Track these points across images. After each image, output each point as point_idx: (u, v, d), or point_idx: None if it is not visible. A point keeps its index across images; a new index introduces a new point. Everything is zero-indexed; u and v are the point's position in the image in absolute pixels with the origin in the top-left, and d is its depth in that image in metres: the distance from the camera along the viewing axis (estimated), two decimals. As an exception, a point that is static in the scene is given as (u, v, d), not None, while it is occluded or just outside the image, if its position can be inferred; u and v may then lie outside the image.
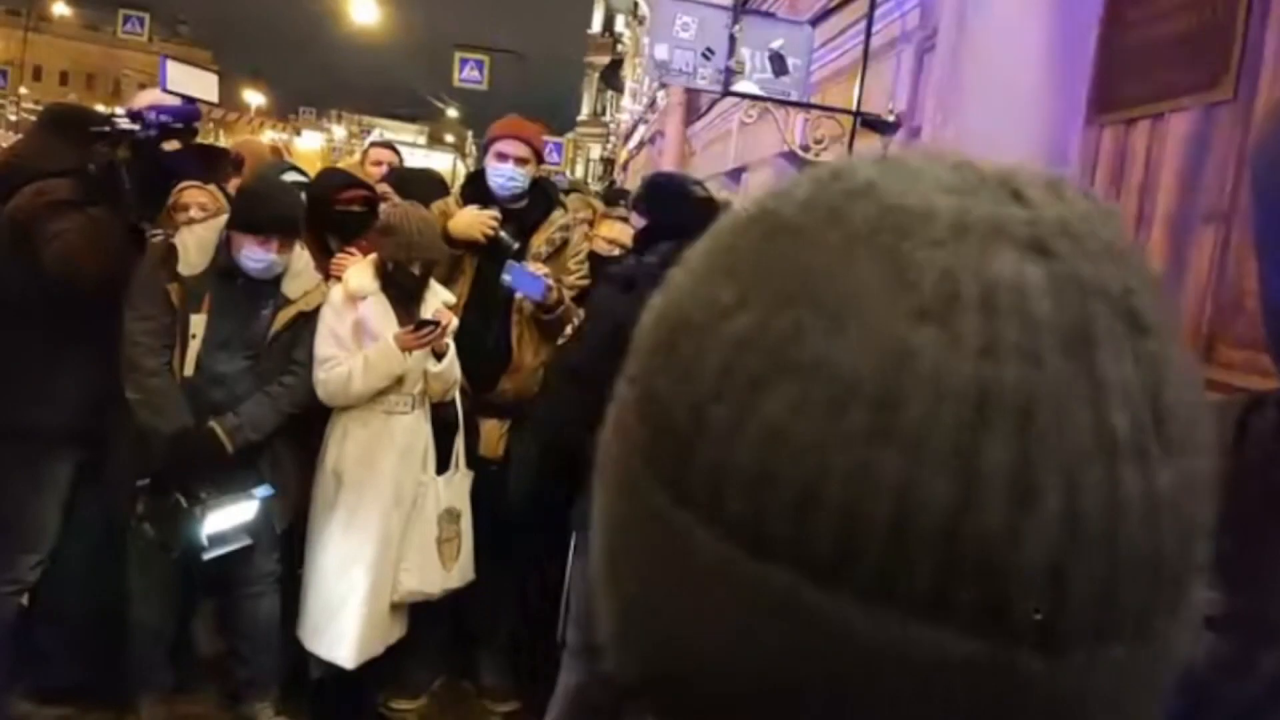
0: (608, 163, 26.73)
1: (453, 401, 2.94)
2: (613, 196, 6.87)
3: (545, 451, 2.55)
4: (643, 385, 0.30)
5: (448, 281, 3.03)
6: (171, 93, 2.61)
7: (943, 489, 0.24)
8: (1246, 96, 2.88)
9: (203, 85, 2.68)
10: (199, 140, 2.90)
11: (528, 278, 2.93)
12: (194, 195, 2.87)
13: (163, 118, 2.57)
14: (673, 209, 2.53)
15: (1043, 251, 0.27)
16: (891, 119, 4.61)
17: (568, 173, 27.18)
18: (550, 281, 2.96)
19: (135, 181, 2.53)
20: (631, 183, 19.69)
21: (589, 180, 27.67)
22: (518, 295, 3.02)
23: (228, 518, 2.60)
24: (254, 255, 2.63)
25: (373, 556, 2.78)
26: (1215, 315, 2.93)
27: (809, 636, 0.25)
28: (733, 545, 0.26)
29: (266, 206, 2.67)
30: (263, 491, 2.68)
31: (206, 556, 2.58)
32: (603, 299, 2.46)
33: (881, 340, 0.25)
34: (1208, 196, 3.01)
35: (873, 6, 4.53)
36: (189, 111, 2.62)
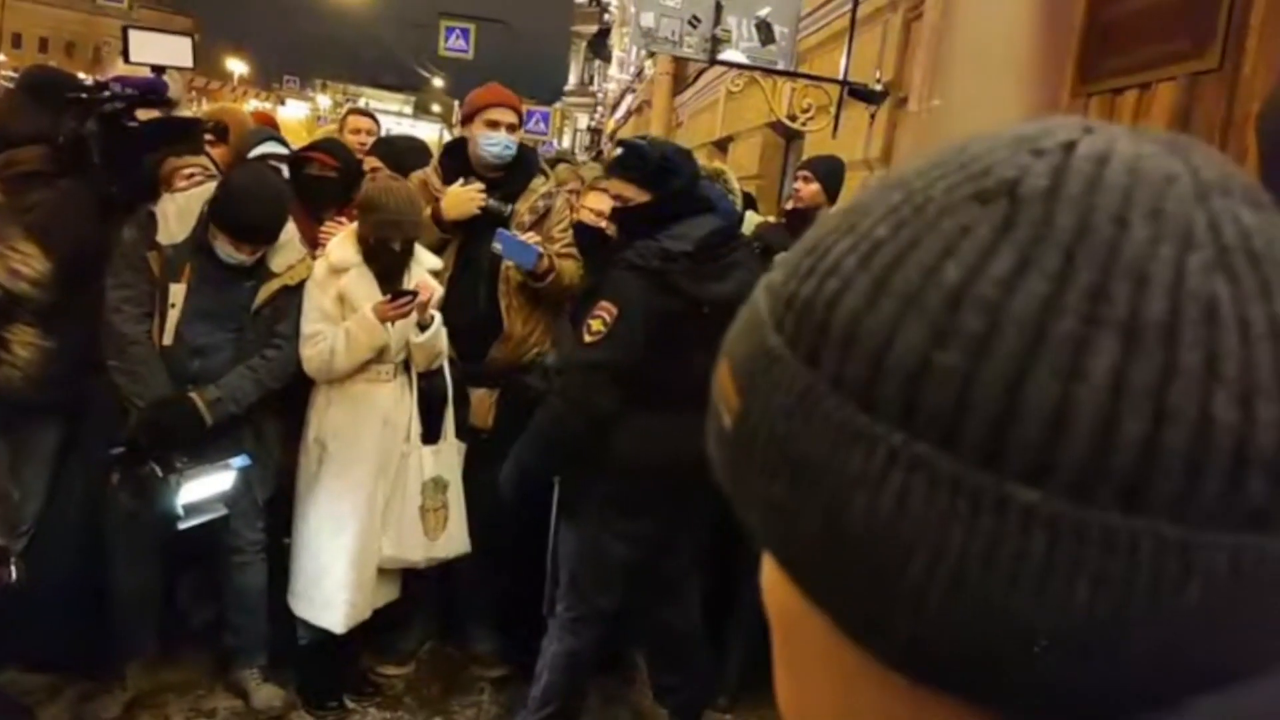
0: (595, 132, 26.53)
1: (440, 371, 2.92)
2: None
3: (558, 439, 2.47)
4: (910, 369, 0.29)
5: (434, 249, 3.01)
6: (138, 63, 2.57)
7: (1271, 418, 0.28)
8: (1232, 65, 2.88)
9: (174, 51, 2.63)
10: (178, 110, 2.85)
11: (519, 245, 2.91)
12: (183, 167, 2.85)
13: (127, 90, 2.53)
14: (689, 186, 2.47)
15: (1256, 204, 0.30)
16: (879, 88, 4.59)
17: (555, 142, 26.97)
18: (541, 249, 2.94)
19: (103, 154, 2.50)
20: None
21: (575, 150, 27.45)
22: (505, 263, 3.01)
23: (204, 487, 2.59)
24: (229, 253, 2.62)
25: (359, 523, 2.79)
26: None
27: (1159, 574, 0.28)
28: (1092, 509, 0.28)
29: (245, 213, 2.61)
30: (240, 462, 2.67)
31: (182, 526, 2.57)
32: (629, 289, 2.35)
33: (1187, 292, 0.28)
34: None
35: (860, -26, 4.50)
36: (153, 85, 2.58)
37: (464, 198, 3.02)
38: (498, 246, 2.92)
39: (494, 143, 3.06)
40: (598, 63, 27.76)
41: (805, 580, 0.33)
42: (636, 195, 2.47)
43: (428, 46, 22.94)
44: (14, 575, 2.35)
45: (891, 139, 4.49)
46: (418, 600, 3.13)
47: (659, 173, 2.44)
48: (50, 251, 2.49)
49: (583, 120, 29.82)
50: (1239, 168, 0.32)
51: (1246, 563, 0.28)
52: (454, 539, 2.96)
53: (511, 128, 3.10)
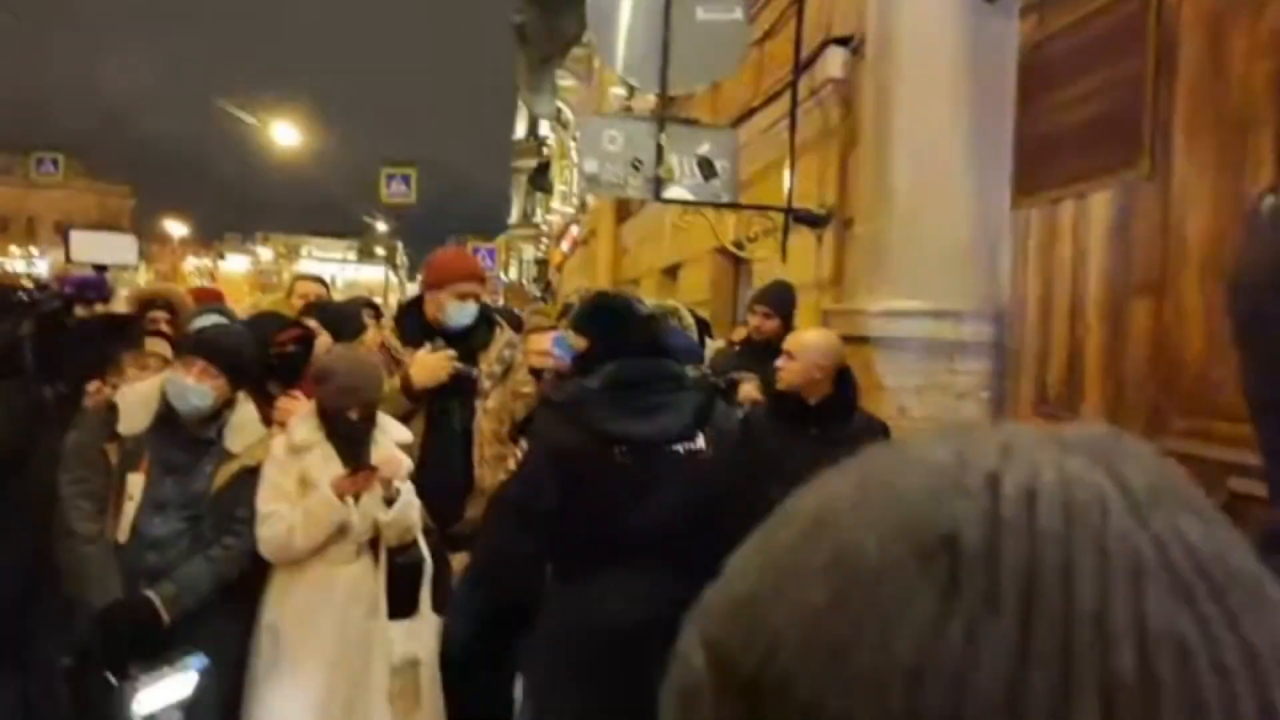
0: (541, 264, 26.94)
1: (414, 543, 2.80)
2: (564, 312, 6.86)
3: (485, 586, 2.41)
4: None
5: (402, 418, 2.94)
6: (80, 262, 2.57)
7: None
8: (1162, 173, 2.98)
9: (118, 248, 2.65)
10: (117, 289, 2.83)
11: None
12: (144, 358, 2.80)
13: (68, 290, 2.53)
14: (615, 330, 2.49)
15: (1192, 508, 0.30)
16: (823, 213, 4.70)
17: (502, 275, 27.28)
18: None
19: (37, 355, 2.47)
20: (565, 284, 19.82)
21: (524, 281, 27.79)
22: (479, 418, 3.00)
23: (161, 694, 2.42)
24: (177, 381, 2.54)
25: (311, 716, 2.60)
26: (1159, 386, 2.98)
27: None
28: None
29: (196, 333, 2.63)
30: (198, 662, 2.51)
31: None
32: (541, 426, 2.40)
33: (1153, 637, 0.27)
34: (1138, 271, 3.09)
35: (795, 105, 4.66)
36: (93, 283, 2.58)
37: (434, 365, 3.00)
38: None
39: (463, 314, 3.10)
40: (540, 195, 28.41)
41: None
42: (578, 343, 2.54)
43: (369, 192, 23.23)
44: None
45: (840, 260, 4.57)
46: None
47: (594, 322, 2.51)
48: None
49: (529, 252, 30.29)
50: (1164, 463, 0.31)
51: None
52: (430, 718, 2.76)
53: (478, 296, 3.14)
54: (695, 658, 0.34)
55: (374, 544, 2.76)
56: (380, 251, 52.47)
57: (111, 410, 2.56)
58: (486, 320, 3.25)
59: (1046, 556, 0.28)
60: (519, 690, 2.57)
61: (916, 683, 0.27)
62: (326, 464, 2.66)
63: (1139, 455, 0.30)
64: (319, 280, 4.22)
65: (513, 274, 29.73)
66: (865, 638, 0.29)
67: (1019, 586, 0.27)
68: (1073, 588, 0.27)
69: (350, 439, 2.71)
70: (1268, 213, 0.59)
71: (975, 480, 0.30)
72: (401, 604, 2.78)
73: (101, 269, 2.64)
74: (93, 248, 2.63)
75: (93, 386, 2.77)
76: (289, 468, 2.65)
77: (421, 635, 2.80)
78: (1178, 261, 2.93)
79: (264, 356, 2.97)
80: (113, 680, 2.39)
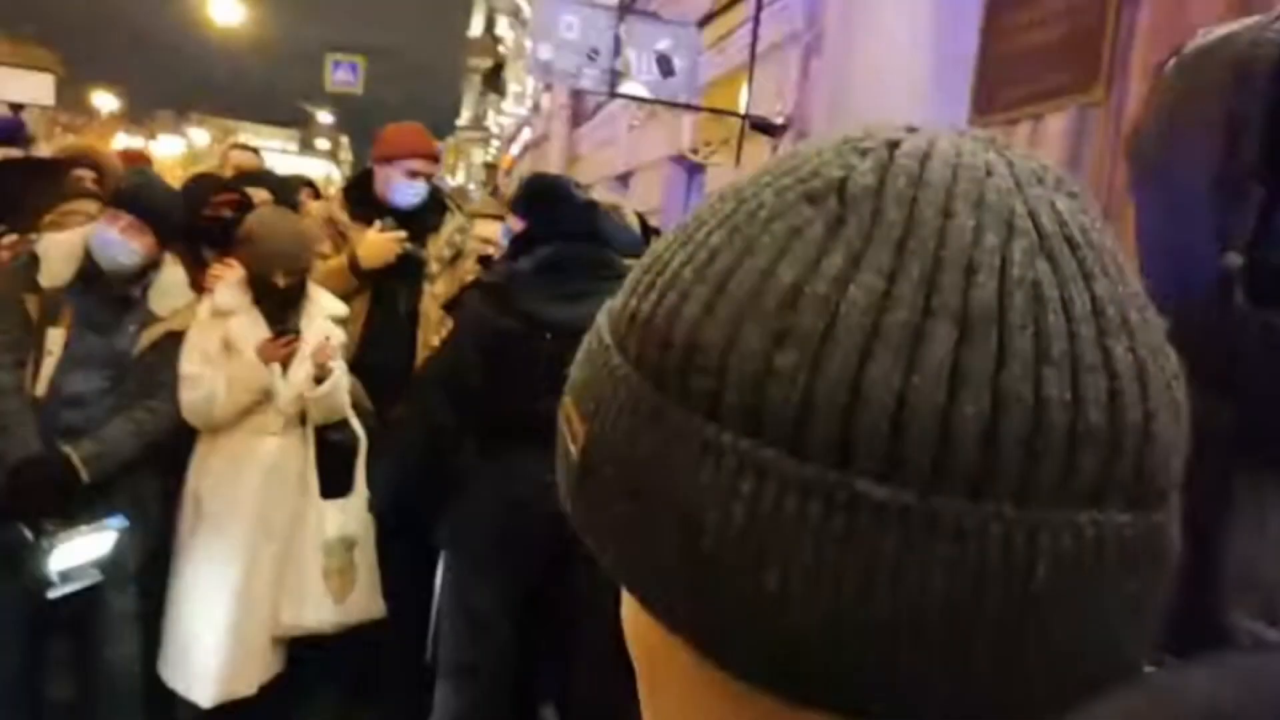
0: (490, 168, 26.37)
1: (346, 422, 2.75)
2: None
3: (401, 452, 2.42)
4: (752, 373, 0.30)
5: (345, 297, 2.86)
6: None
7: (1098, 395, 0.29)
8: (1118, 99, 3.00)
9: (35, 87, 2.49)
10: (37, 148, 2.67)
11: None
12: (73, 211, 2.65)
13: None
14: (552, 212, 2.45)
15: (1069, 192, 0.32)
16: (780, 121, 4.65)
17: (449, 179, 26.64)
18: None
19: None
20: (513, 187, 19.46)
21: (471, 185, 27.21)
22: (425, 301, 2.94)
23: (79, 551, 2.38)
24: (103, 235, 2.43)
25: (235, 587, 2.56)
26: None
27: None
28: (940, 498, 0.28)
29: (124, 188, 2.50)
30: (117, 522, 2.46)
31: (53, 594, 2.35)
32: (472, 305, 2.38)
33: (1013, 277, 0.29)
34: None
35: (759, 9, 4.55)
36: (10, 127, 2.42)
37: (383, 245, 2.92)
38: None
39: (412, 191, 3.00)
40: (493, 97, 27.62)
41: (663, 607, 0.32)
42: (515, 224, 2.53)
43: (314, 80, 22.31)
44: None
45: (794, 171, 4.54)
46: (318, 674, 2.90)
47: (532, 203, 2.47)
48: None
49: (478, 156, 29.58)
50: (1052, 162, 0.32)
51: (1088, 540, 0.28)
52: (366, 601, 2.76)
53: (430, 176, 3.05)
54: (601, 326, 0.36)
55: (305, 420, 2.72)
56: (323, 145, 50.79)
57: (33, 261, 2.45)
58: (438, 202, 3.16)
59: (928, 199, 0.29)
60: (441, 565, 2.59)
61: (792, 301, 0.29)
62: (252, 329, 2.59)
63: (1029, 152, 0.32)
64: (254, 150, 4.05)
65: (460, 178, 29.07)
66: (750, 264, 0.30)
67: (900, 219, 0.29)
68: (948, 228, 0.29)
69: (277, 305, 2.63)
70: (1173, 68, 0.59)
71: (875, 143, 0.32)
72: (334, 483, 2.75)
73: (17, 109, 2.47)
74: (11, 85, 2.44)
75: (9, 239, 2.63)
76: (212, 332, 2.57)
77: (357, 515, 2.79)
78: (1126, 188, 2.97)
79: (197, 219, 2.86)
80: (28, 534, 2.35)
